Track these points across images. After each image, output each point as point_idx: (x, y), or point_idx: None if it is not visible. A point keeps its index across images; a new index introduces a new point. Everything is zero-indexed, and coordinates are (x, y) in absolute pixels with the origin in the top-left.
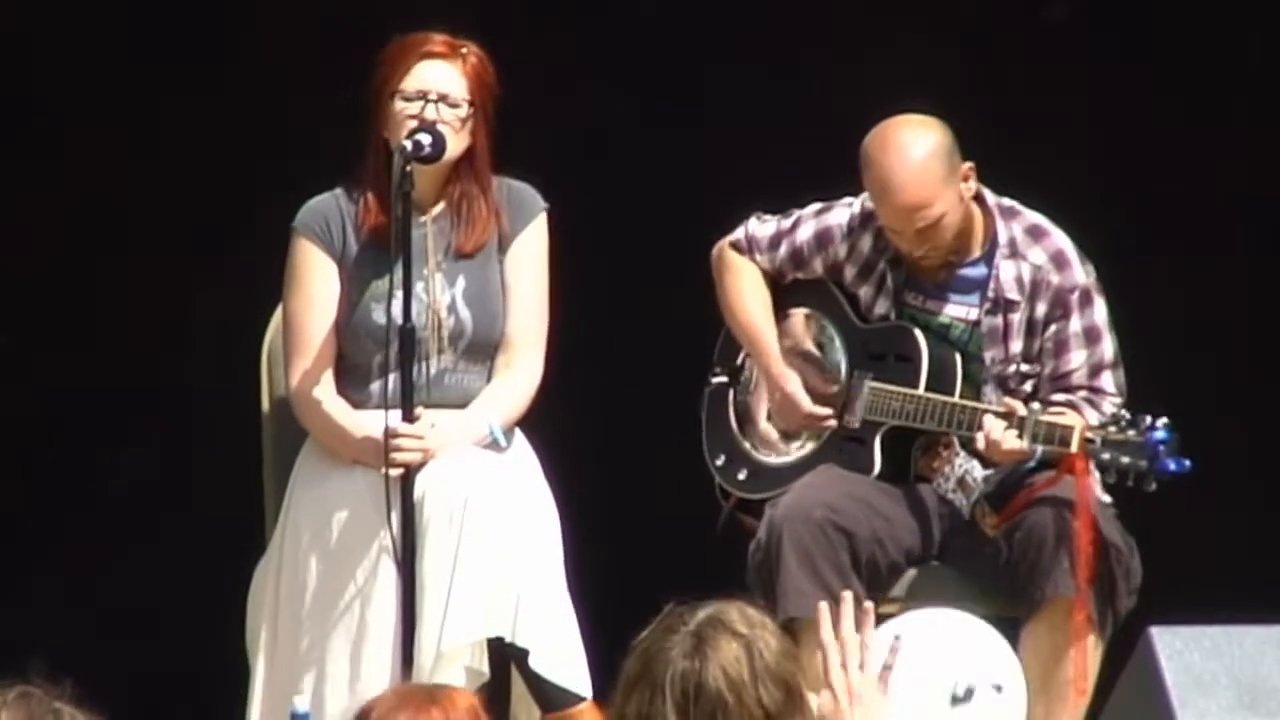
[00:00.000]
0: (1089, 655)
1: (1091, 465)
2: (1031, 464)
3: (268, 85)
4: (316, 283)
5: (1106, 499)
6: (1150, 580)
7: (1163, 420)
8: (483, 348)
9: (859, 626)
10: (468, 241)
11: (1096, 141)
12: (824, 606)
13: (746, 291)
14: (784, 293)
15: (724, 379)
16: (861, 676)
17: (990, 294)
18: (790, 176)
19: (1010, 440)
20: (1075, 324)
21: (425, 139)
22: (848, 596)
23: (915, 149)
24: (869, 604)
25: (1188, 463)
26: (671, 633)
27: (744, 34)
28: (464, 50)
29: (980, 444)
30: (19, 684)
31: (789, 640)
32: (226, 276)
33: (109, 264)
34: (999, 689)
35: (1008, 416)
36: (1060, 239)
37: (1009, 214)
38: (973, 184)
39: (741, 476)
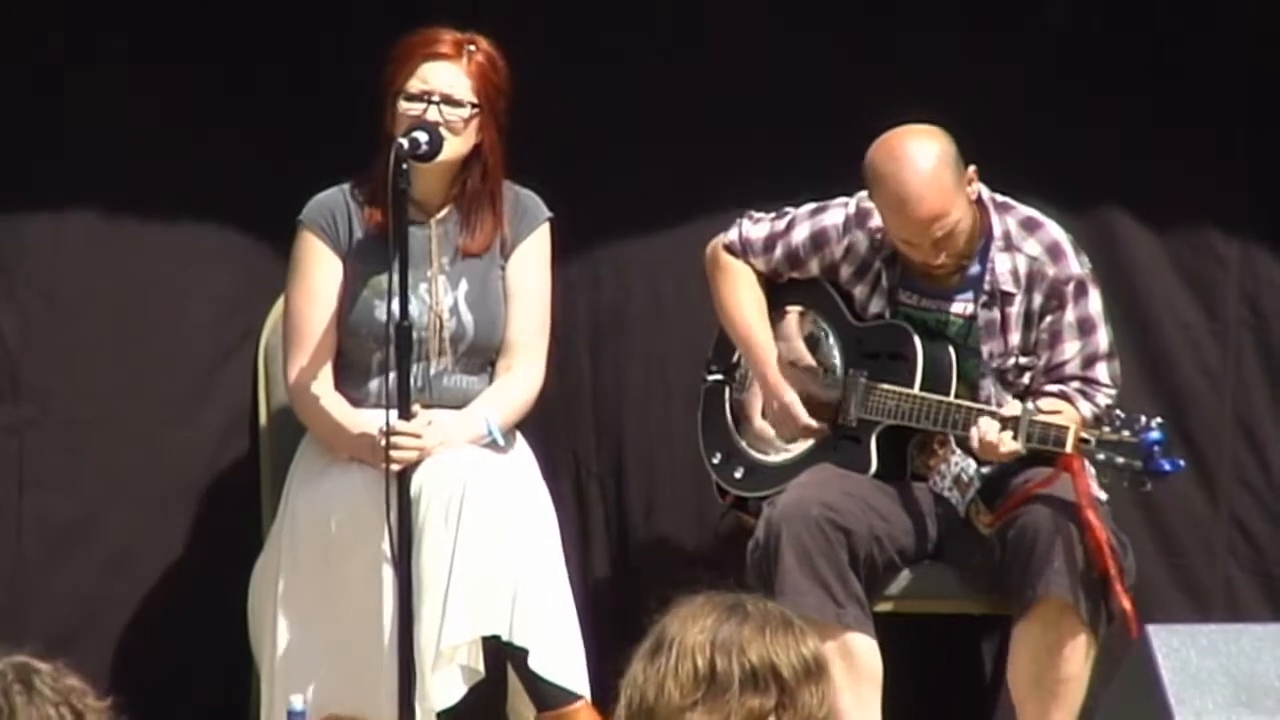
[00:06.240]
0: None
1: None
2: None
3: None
4: (320, 276)
5: (1103, 496)
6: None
7: (1156, 420)
8: (481, 351)
9: None
10: (474, 242)
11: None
12: None
13: (742, 297)
14: (778, 291)
15: (719, 377)
16: None
17: (986, 288)
18: (787, 177)
19: (1005, 441)
20: (1069, 315)
21: (422, 137)
22: None
23: (925, 160)
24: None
25: (1181, 463)
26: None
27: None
28: (470, 48)
29: (974, 444)
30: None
31: None
32: (223, 272)
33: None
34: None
35: (1002, 418)
36: (1055, 230)
37: (1003, 208)
38: (977, 186)
39: (739, 475)
